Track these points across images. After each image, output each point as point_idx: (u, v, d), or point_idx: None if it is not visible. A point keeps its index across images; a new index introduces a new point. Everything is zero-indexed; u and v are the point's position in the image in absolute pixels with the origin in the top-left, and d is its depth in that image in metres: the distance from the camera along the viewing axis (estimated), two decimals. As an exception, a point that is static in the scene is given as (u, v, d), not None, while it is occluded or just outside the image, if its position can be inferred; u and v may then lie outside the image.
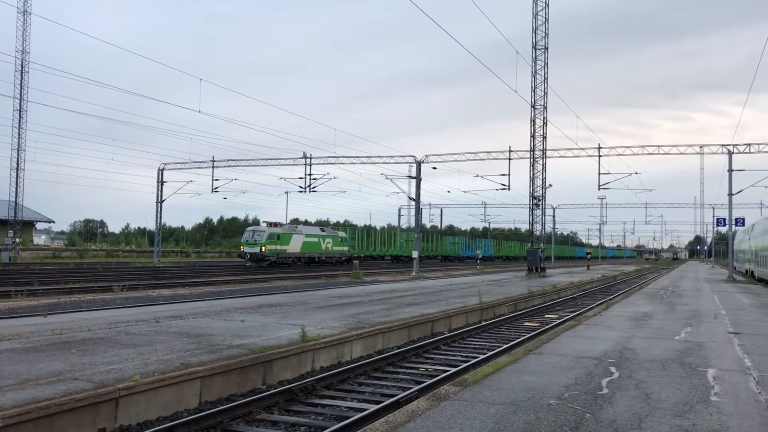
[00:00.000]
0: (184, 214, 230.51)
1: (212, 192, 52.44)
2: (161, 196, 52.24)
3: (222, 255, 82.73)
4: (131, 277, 33.61)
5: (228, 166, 51.59)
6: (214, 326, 12.60)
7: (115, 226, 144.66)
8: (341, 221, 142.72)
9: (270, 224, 53.17)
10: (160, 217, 52.92)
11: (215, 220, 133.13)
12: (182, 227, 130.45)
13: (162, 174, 52.15)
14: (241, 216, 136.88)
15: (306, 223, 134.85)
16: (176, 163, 52.34)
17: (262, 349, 9.99)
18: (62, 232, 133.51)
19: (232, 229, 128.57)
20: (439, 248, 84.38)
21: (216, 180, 51.98)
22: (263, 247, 49.95)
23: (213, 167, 51.55)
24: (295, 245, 54.05)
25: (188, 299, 20.22)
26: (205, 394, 8.53)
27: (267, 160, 50.97)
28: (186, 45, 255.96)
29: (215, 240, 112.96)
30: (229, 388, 8.94)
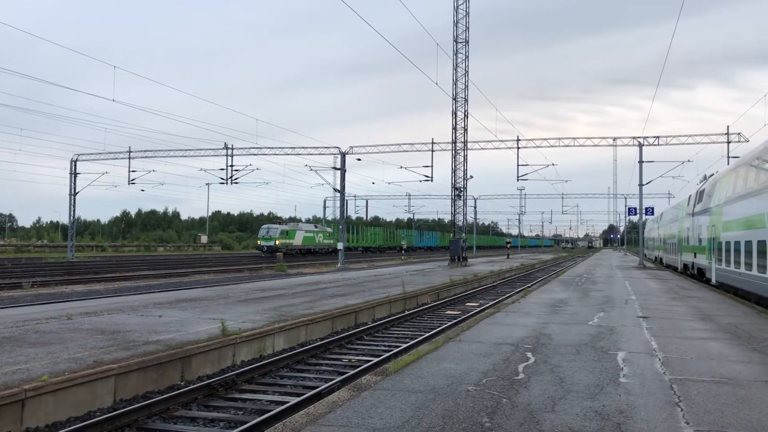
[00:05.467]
0: (99, 207, 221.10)
1: (129, 184, 50.62)
2: (74, 188, 50.01)
3: (141, 249, 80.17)
4: (43, 273, 32.17)
5: (145, 157, 49.89)
6: (130, 322, 12.21)
7: (25, 220, 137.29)
8: (265, 213, 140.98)
9: (280, 222, 66.04)
10: (74, 210, 50.72)
11: (133, 212, 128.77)
12: (98, 221, 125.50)
13: (75, 165, 49.91)
14: (160, 208, 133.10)
15: (229, 215, 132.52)
16: (90, 154, 50.22)
17: (180, 345, 9.76)
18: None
19: (151, 222, 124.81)
20: (396, 240, 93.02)
21: (133, 171, 50.18)
22: (276, 241, 61.91)
23: (129, 158, 49.73)
24: (298, 239, 66.16)
25: (104, 295, 19.51)
26: (120, 392, 8.26)
27: (186, 150, 49.60)
28: (98, 30, 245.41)
29: (133, 233, 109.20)
30: (146, 386, 8.69)
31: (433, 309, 19.17)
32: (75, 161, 50.03)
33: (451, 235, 44.29)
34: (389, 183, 61.14)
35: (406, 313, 17.72)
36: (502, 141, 45.54)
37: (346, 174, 44.69)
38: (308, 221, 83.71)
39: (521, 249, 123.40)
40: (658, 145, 41.82)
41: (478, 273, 32.75)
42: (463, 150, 41.76)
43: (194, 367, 9.69)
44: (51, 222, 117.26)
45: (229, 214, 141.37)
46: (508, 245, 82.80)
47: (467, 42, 40.83)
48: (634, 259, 57.52)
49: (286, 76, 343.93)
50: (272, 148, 47.57)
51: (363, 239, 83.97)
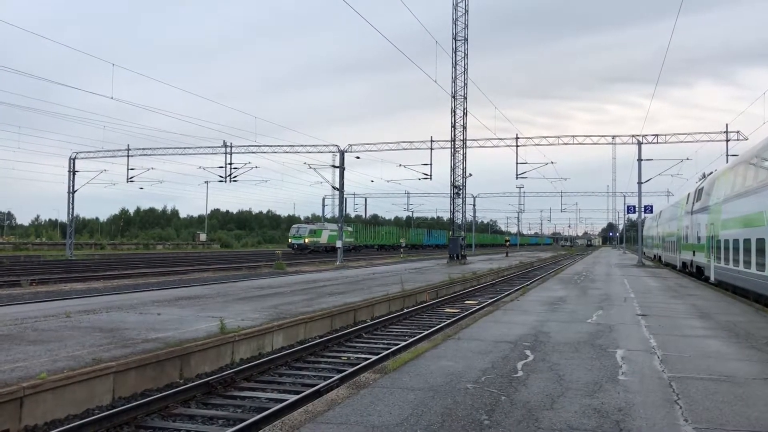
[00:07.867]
0: (98, 205, 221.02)
1: (128, 182, 50.51)
2: (73, 186, 49.94)
3: (139, 247, 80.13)
4: (42, 270, 32.15)
5: (144, 155, 49.80)
6: (129, 320, 12.20)
7: (24, 218, 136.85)
8: (264, 211, 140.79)
9: (308, 222, 73.45)
10: (73, 208, 50.66)
11: (132, 210, 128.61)
12: (97, 219, 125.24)
13: (74, 163, 49.85)
14: (159, 206, 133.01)
15: (228, 213, 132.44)
16: (89, 152, 50.14)
17: (178, 343, 9.75)
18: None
19: (150, 220, 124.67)
20: (406, 238, 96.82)
21: (131, 169, 50.05)
22: (306, 239, 68.54)
23: (128, 156, 49.62)
24: (324, 238, 71.60)
25: (102, 293, 19.49)
26: (118, 390, 8.25)
27: (185, 148, 49.45)
28: (97, 28, 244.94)
29: (132, 231, 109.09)
30: (144, 383, 8.68)
31: (432, 307, 19.17)
32: (73, 159, 49.99)
33: (450, 233, 44.28)
34: (388, 181, 61.13)
35: (405, 311, 17.73)
36: (501, 139, 45.54)
37: (345, 172, 44.76)
38: (334, 221, 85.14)
39: (520, 247, 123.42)
40: (657, 143, 41.81)
41: (477, 271, 32.75)
42: (462, 148, 41.73)
43: (193, 365, 9.68)
44: (50, 220, 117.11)
45: (227, 212, 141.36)
46: (507, 243, 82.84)
47: (466, 40, 40.79)
48: (633, 257, 57.52)
49: (286, 74, 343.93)
50: (271, 146, 47.52)
51: (378, 237, 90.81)
